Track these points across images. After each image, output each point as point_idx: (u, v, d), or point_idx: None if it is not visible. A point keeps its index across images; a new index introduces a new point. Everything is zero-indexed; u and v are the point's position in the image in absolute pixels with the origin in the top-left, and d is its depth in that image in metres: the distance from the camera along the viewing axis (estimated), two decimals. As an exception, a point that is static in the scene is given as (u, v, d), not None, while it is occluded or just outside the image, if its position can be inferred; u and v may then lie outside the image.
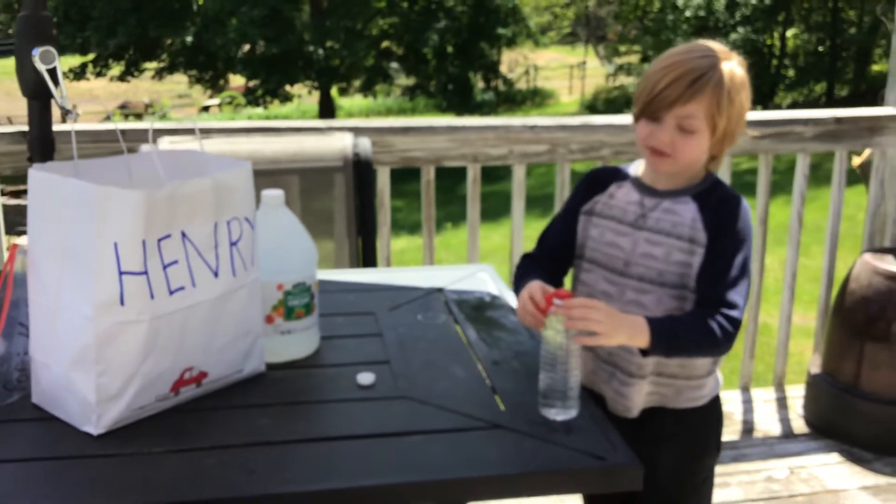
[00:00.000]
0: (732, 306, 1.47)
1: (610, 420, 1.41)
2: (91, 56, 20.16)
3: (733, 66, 1.51)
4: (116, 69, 21.03)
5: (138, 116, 23.28)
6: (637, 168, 1.65)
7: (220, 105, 24.89)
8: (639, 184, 1.62)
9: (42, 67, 1.46)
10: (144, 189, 1.25)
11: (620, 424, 1.47)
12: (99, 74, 20.89)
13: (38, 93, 1.54)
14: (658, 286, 1.54)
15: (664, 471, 1.61)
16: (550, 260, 1.66)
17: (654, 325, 1.43)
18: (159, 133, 2.39)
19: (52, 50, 1.47)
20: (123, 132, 2.45)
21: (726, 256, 1.50)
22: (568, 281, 1.71)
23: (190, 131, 2.38)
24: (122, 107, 24.22)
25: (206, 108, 25.04)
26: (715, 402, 1.68)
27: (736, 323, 1.46)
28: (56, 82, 1.46)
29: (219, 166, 1.42)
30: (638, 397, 1.60)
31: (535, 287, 1.47)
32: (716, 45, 1.53)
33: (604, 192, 1.65)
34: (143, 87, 26.64)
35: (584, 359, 1.63)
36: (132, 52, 20.60)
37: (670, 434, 1.63)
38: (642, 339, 1.42)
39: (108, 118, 17.48)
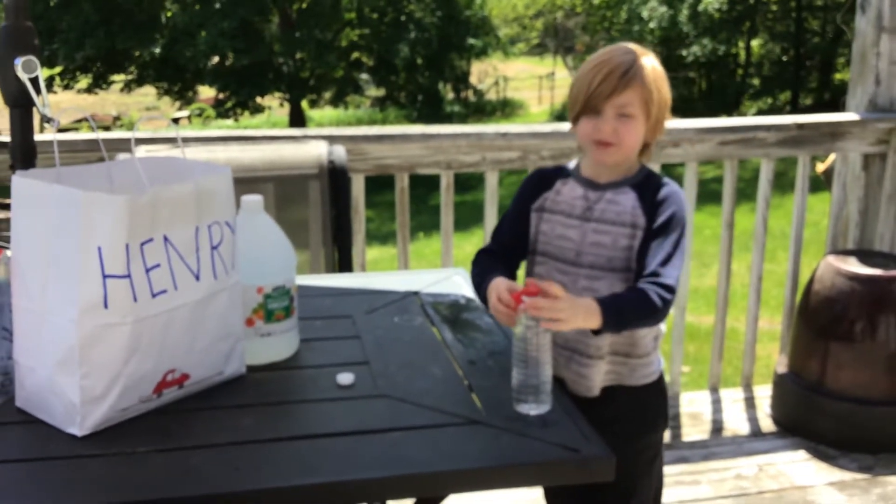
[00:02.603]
0: (667, 277, 1.57)
1: (571, 401, 1.49)
2: (58, 69, 20.01)
3: (652, 61, 1.66)
4: (84, 81, 20.88)
5: (106, 129, 23.08)
6: (577, 166, 1.76)
7: (189, 117, 24.77)
8: (581, 179, 1.73)
9: (24, 76, 1.49)
10: (128, 194, 1.28)
11: (580, 404, 1.55)
12: (66, 87, 20.73)
13: (19, 101, 1.56)
14: (609, 272, 1.65)
15: (621, 445, 1.67)
16: (505, 255, 1.76)
17: (604, 305, 1.51)
18: (139, 142, 2.41)
19: (35, 59, 1.50)
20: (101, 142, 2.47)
21: (661, 235, 1.61)
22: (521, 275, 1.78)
23: (167, 140, 2.41)
24: (88, 119, 23.95)
25: (175, 121, 24.93)
26: (661, 379, 1.79)
27: (671, 291, 1.57)
28: (38, 91, 1.49)
29: (199, 171, 1.45)
30: (598, 377, 1.69)
31: (501, 286, 1.55)
32: (632, 45, 1.68)
33: (550, 189, 1.75)
34: (110, 100, 26.43)
35: None
36: (100, 65, 20.46)
37: (626, 409, 1.73)
38: (595, 320, 1.50)
39: (86, 122, 17.29)
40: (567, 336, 1.68)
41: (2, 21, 1.61)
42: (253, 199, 1.58)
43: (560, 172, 1.77)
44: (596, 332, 1.55)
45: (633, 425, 1.75)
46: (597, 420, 1.42)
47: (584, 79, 1.64)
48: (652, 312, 1.55)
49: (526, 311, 1.42)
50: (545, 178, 1.77)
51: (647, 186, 1.67)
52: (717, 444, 2.99)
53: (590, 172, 1.72)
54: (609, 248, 1.65)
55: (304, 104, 21.86)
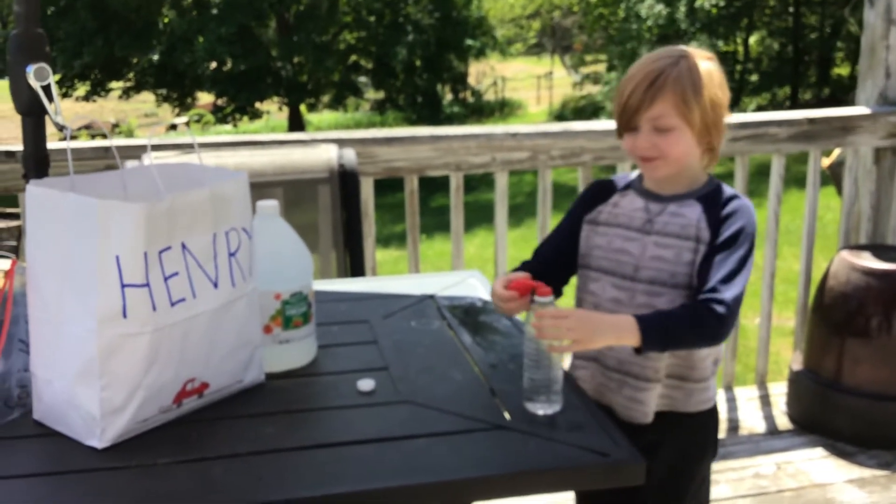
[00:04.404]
0: (724, 293, 1.47)
1: (621, 428, 1.39)
2: (56, 77, 19.90)
3: (694, 62, 1.54)
4: (82, 89, 20.87)
5: (104, 137, 23.04)
6: (640, 177, 1.68)
7: (187, 123, 24.73)
8: (643, 191, 1.65)
9: (36, 84, 1.47)
10: (145, 201, 1.26)
11: (628, 430, 1.47)
12: (65, 95, 20.70)
13: (31, 110, 1.54)
14: (670, 288, 1.56)
15: (665, 473, 1.63)
16: (546, 269, 1.65)
17: (643, 322, 1.43)
18: (145, 149, 2.39)
19: (46, 67, 1.48)
20: (106, 149, 2.46)
21: (725, 250, 1.52)
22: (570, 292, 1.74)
23: (176, 147, 2.39)
24: (88, 127, 23.98)
25: (173, 127, 24.89)
26: (715, 407, 1.70)
27: (727, 307, 1.46)
28: (50, 99, 1.47)
29: (214, 177, 1.43)
30: (652, 401, 1.61)
31: (499, 280, 1.52)
32: (677, 48, 1.58)
33: (607, 202, 1.67)
34: (108, 107, 26.44)
35: (590, 371, 1.67)
36: (98, 72, 20.45)
37: (677, 437, 1.64)
38: (631, 337, 1.43)
39: (84, 130, 17.34)
40: (620, 358, 1.61)
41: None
42: (269, 205, 1.55)
43: (620, 184, 1.69)
44: (638, 351, 1.47)
45: (682, 454, 1.66)
46: (643, 446, 1.33)
47: (619, 92, 1.56)
48: (704, 331, 1.47)
49: (535, 311, 1.41)
50: (602, 190, 1.70)
51: (714, 199, 1.57)
52: (734, 444, 2.97)
53: (652, 184, 1.64)
54: (671, 262, 1.56)
55: (303, 108, 21.84)
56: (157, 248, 1.28)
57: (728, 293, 1.47)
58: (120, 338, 1.26)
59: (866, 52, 3.28)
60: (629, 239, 1.61)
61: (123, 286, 1.25)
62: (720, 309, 1.45)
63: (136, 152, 2.40)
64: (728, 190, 1.60)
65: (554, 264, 1.69)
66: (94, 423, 1.28)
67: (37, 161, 1.58)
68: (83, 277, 1.25)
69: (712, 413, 1.68)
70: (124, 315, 1.26)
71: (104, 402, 1.27)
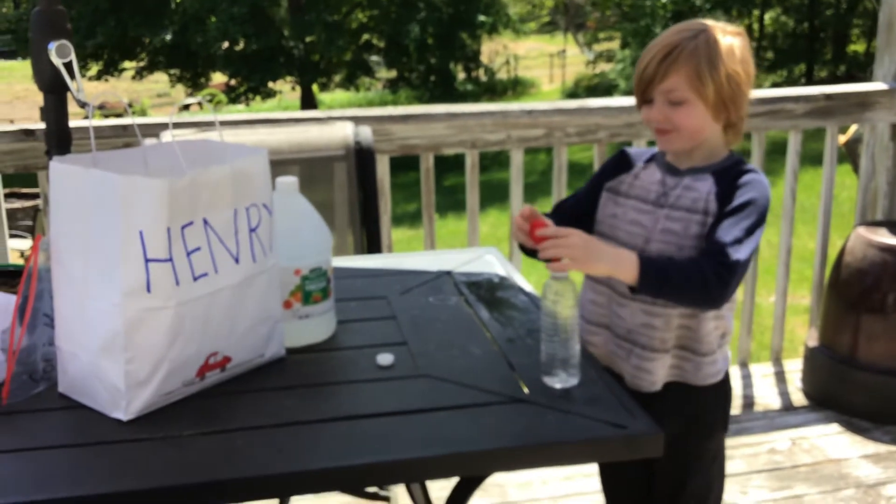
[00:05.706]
0: (734, 255, 1.46)
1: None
2: (69, 57, 19.92)
3: (713, 35, 1.53)
4: (94, 69, 20.88)
5: (118, 116, 23.07)
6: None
7: (199, 103, 24.69)
8: (663, 164, 1.66)
9: (58, 61, 1.48)
10: (168, 177, 1.27)
11: (636, 400, 1.49)
12: (77, 75, 20.68)
13: (54, 87, 1.55)
14: None
15: (668, 445, 1.64)
16: (561, 225, 1.63)
17: (645, 261, 1.44)
18: (166, 127, 2.41)
19: (68, 44, 1.49)
20: (125, 127, 2.47)
21: (733, 217, 1.51)
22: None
23: (195, 125, 2.40)
24: (101, 107, 24.00)
25: (186, 107, 24.89)
26: (725, 381, 1.69)
27: (732, 272, 1.45)
28: (72, 76, 1.48)
29: (235, 154, 1.44)
30: (661, 371, 1.62)
31: (525, 209, 1.53)
32: (699, 21, 1.57)
33: (629, 172, 1.69)
34: (120, 88, 26.43)
35: (603, 337, 1.69)
36: (111, 52, 20.45)
37: (680, 409, 1.65)
38: (628, 271, 1.44)
39: (98, 110, 17.37)
40: (629, 327, 1.63)
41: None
42: (288, 181, 1.57)
43: (644, 156, 1.71)
44: (633, 290, 1.49)
45: (687, 428, 1.66)
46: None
47: (637, 65, 1.58)
48: (703, 287, 1.45)
49: (550, 285, 1.41)
50: (626, 160, 1.71)
51: (728, 173, 1.57)
52: (749, 419, 2.98)
53: (672, 158, 1.65)
54: (680, 235, 1.56)
55: (315, 88, 21.79)
56: (179, 224, 1.30)
57: (733, 258, 1.45)
58: (144, 312, 1.28)
59: (884, 28, 3.25)
60: (643, 212, 1.63)
61: (147, 261, 1.27)
62: (723, 271, 1.45)
63: (153, 130, 2.41)
64: (744, 165, 1.59)
65: (570, 223, 1.68)
66: (120, 396, 1.30)
67: (59, 138, 1.59)
68: (107, 252, 1.27)
69: (721, 388, 1.68)
70: (148, 289, 1.28)
71: (129, 375, 1.29)
